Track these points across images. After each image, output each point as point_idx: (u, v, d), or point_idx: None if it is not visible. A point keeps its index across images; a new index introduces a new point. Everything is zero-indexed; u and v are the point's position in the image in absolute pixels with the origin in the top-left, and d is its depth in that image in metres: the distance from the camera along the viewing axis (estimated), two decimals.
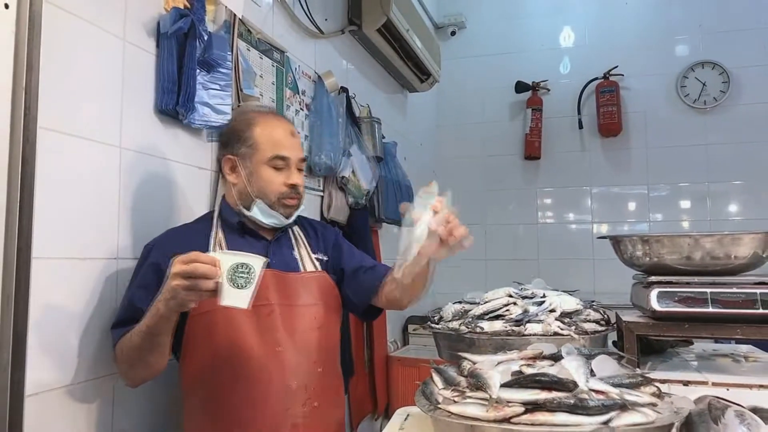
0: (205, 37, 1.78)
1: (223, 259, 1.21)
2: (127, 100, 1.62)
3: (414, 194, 3.53)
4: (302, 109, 2.54)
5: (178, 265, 1.19)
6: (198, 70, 1.75)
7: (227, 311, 1.39)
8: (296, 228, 1.69)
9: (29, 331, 1.23)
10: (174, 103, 1.69)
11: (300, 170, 1.60)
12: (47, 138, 1.34)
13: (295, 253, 1.63)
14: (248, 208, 1.56)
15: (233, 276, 1.20)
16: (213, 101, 1.79)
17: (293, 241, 1.65)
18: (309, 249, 1.66)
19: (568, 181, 4.55)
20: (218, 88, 1.82)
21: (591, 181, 4.50)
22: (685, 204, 4.31)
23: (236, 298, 1.21)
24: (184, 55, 1.72)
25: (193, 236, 1.54)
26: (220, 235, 1.56)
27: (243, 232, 1.58)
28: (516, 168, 4.68)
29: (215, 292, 1.20)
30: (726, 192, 4.22)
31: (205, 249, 1.45)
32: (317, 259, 1.65)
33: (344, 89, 2.82)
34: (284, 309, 1.52)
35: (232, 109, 1.90)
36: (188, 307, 1.26)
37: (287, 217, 1.58)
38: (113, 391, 1.55)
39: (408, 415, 1.56)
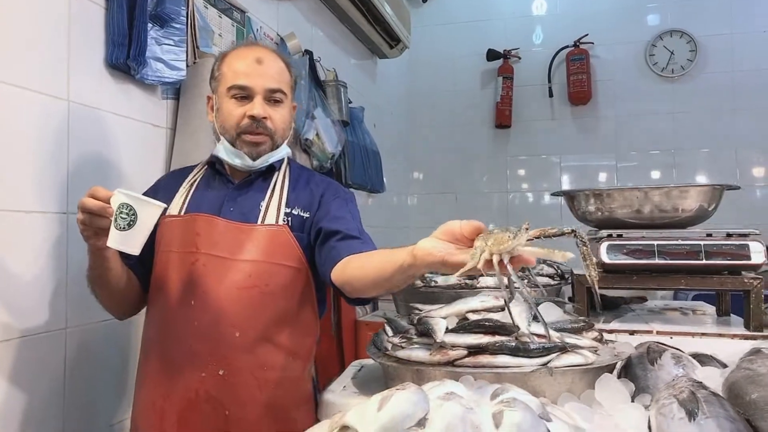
0: None
1: (114, 197, 1.16)
2: (75, 53, 1.58)
3: (381, 161, 3.48)
4: None
5: (83, 197, 1.17)
6: (150, 25, 1.72)
7: (165, 255, 1.39)
8: (284, 175, 1.48)
9: None
10: (125, 56, 1.66)
11: (272, 102, 1.41)
12: None
13: (263, 202, 1.42)
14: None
15: (117, 216, 1.15)
16: (166, 56, 1.76)
17: (269, 189, 1.45)
18: (284, 201, 1.43)
19: (538, 150, 4.57)
20: (172, 43, 1.79)
21: (561, 150, 4.53)
22: (655, 174, 4.36)
23: (117, 240, 1.16)
24: (135, 8, 1.68)
25: (178, 177, 1.51)
26: (198, 178, 1.49)
27: (213, 175, 1.48)
28: (487, 136, 4.69)
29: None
30: (692, 161, 4.28)
31: (176, 191, 1.46)
32: (288, 213, 1.42)
33: (308, 52, 2.79)
34: (211, 260, 1.36)
35: (187, 66, 1.87)
36: (92, 244, 1.24)
37: (254, 158, 1.41)
38: (65, 346, 1.54)
39: (362, 366, 1.59)
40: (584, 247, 0.96)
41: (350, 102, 3.18)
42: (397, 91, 4.63)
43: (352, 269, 1.26)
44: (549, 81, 4.52)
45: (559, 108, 4.54)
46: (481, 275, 1.65)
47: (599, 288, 1.78)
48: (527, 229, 0.90)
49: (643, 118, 4.34)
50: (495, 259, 0.90)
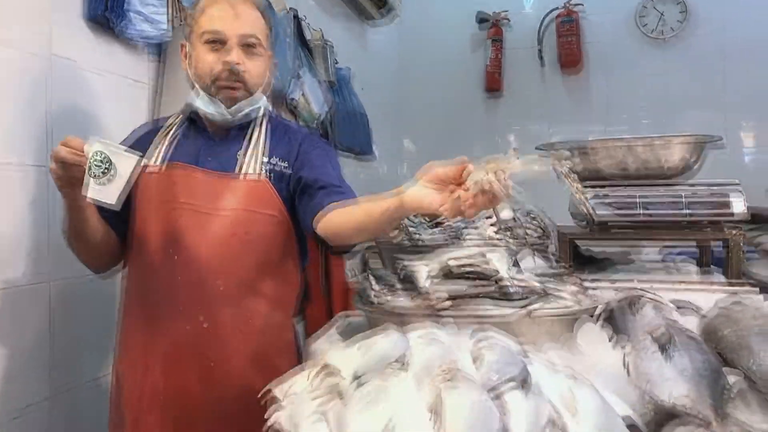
0: None
1: (87, 146, 1.13)
2: (55, 7, 1.56)
3: (369, 123, 3.45)
4: None
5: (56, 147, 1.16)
6: None
7: (144, 207, 1.38)
8: (262, 128, 1.46)
9: None
10: (103, 8, 1.63)
11: (247, 48, 1.37)
12: None
13: (240, 152, 1.40)
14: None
15: (91, 165, 1.12)
16: (146, 9, 1.73)
17: (247, 141, 1.43)
18: (263, 152, 1.42)
19: (530, 116, 4.54)
20: None
21: (551, 115, 4.51)
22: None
23: (92, 191, 1.14)
24: None
25: (153, 128, 1.48)
26: (173, 128, 1.46)
27: (191, 128, 1.45)
28: (477, 102, 4.65)
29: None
30: (681, 124, 4.25)
31: (151, 141, 1.43)
32: (267, 163, 1.40)
33: (293, 9, 2.74)
34: (190, 212, 1.35)
35: (169, 21, 1.83)
36: (66, 194, 1.23)
37: (233, 112, 1.39)
38: (49, 299, 1.55)
39: (349, 322, 1.59)
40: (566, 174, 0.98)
41: (337, 63, 3.14)
42: (386, 57, 4.57)
43: (337, 218, 1.27)
44: (539, 45, 4.48)
45: (550, 72, 4.50)
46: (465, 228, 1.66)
47: (582, 241, 1.80)
48: (516, 155, 0.95)
49: (632, 82, 4.31)
50: (500, 176, 0.92)
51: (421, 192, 1.00)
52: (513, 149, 0.96)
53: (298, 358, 1.48)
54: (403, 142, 4.84)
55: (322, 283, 3.15)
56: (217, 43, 1.36)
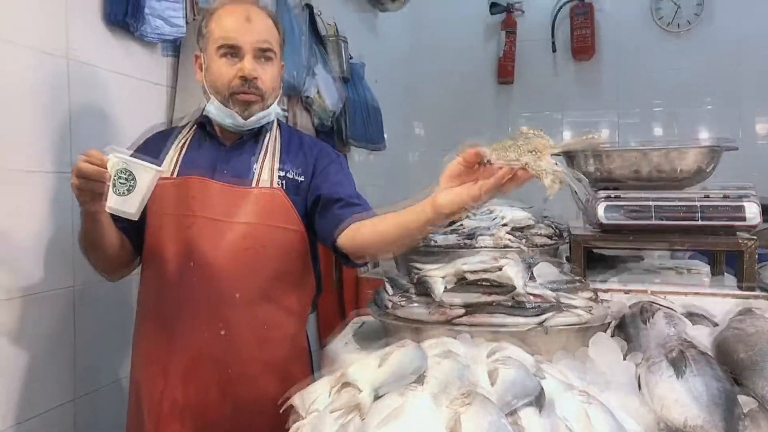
0: None
1: (111, 161, 1.15)
2: (74, 10, 1.57)
3: (381, 117, 3.45)
4: None
5: (76, 162, 1.16)
6: None
7: (159, 218, 1.39)
8: (274, 137, 1.49)
9: None
10: (123, 13, 1.64)
11: (263, 59, 1.40)
12: None
13: (256, 164, 1.43)
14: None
15: (115, 181, 1.15)
16: (165, 13, 1.74)
17: (261, 151, 1.45)
18: (277, 162, 1.44)
19: (541, 106, 4.53)
20: None
21: (564, 107, 4.49)
22: (657, 130, 4.34)
23: (116, 205, 1.16)
24: None
25: (168, 137, 1.50)
26: (188, 138, 1.48)
27: (204, 136, 1.47)
28: (489, 92, 4.63)
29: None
30: (694, 117, 4.25)
31: (165, 151, 1.44)
32: (282, 175, 1.43)
33: (308, 6, 2.74)
34: (207, 223, 1.37)
35: (187, 23, 1.85)
36: (87, 208, 1.24)
37: (246, 118, 1.40)
38: (73, 304, 1.58)
39: (363, 323, 1.62)
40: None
41: (351, 57, 3.14)
42: (398, 46, 4.55)
43: (366, 234, 1.30)
44: (552, 36, 4.44)
45: (563, 63, 4.47)
46: (480, 235, 1.68)
47: (596, 247, 1.81)
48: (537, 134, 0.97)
49: (646, 73, 4.28)
50: (548, 159, 0.94)
51: (451, 194, 1.03)
52: (534, 132, 0.97)
53: (310, 362, 1.53)
54: (413, 129, 4.84)
55: (334, 275, 3.18)
56: (233, 53, 1.38)
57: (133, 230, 1.42)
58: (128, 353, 1.48)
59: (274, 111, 1.48)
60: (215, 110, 1.41)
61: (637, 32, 4.28)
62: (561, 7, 4.38)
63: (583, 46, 4.29)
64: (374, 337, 1.44)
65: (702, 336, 1.19)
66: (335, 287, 3.25)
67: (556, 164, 0.94)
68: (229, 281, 1.37)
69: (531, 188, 1.00)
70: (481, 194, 1.00)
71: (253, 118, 1.42)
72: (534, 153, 0.95)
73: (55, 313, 1.54)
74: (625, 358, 1.17)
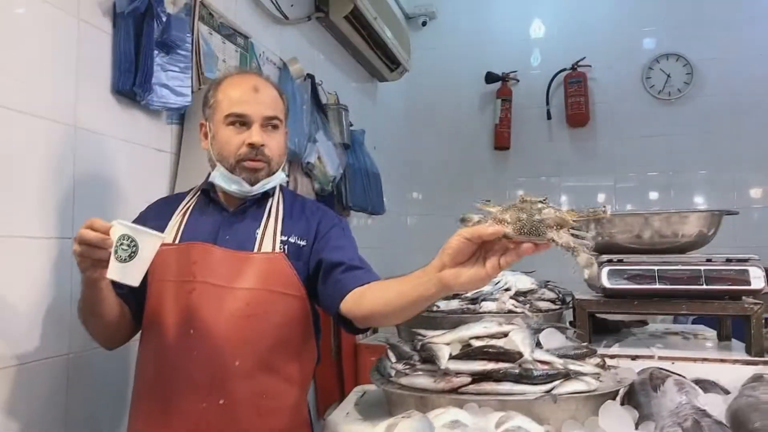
0: (164, 18, 1.77)
1: (114, 229, 1.15)
2: (83, 79, 1.61)
3: (381, 183, 3.48)
4: None
5: (80, 229, 1.16)
6: (156, 52, 1.74)
7: (161, 284, 1.38)
8: (278, 202, 1.49)
9: None
10: (131, 83, 1.68)
11: (270, 128, 1.43)
12: None
13: (259, 230, 1.42)
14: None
15: (117, 248, 1.14)
16: (172, 83, 1.79)
17: (264, 216, 1.45)
18: (279, 228, 1.44)
19: (538, 172, 4.59)
20: (177, 70, 1.81)
21: (560, 172, 4.56)
22: (653, 195, 4.39)
23: (117, 272, 1.15)
24: (141, 35, 1.71)
25: (171, 204, 1.50)
26: (191, 205, 1.48)
27: (207, 202, 1.48)
28: (486, 158, 4.71)
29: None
30: (690, 183, 4.31)
31: (169, 218, 1.45)
32: (284, 241, 1.42)
33: (310, 76, 2.82)
34: (208, 289, 1.35)
35: (192, 92, 1.89)
36: (89, 276, 1.23)
37: (252, 184, 1.42)
38: (67, 372, 1.54)
39: (365, 392, 1.59)
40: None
41: (351, 125, 3.20)
42: (397, 114, 4.67)
43: (371, 301, 1.26)
44: (547, 103, 4.56)
45: (558, 129, 4.57)
46: (483, 300, 1.66)
47: (600, 313, 1.79)
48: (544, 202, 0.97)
49: (640, 140, 4.37)
50: (564, 234, 0.94)
51: (462, 277, 1.00)
52: (540, 200, 0.97)
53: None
54: (411, 194, 4.89)
55: (333, 345, 3.12)
56: (241, 122, 1.40)
57: (133, 297, 1.40)
58: (122, 423, 1.43)
59: (280, 177, 1.50)
60: (221, 177, 1.43)
61: (630, 100, 4.41)
62: (555, 76, 4.51)
63: (578, 114, 4.40)
64: (377, 407, 1.40)
65: (715, 404, 1.16)
66: (334, 356, 3.18)
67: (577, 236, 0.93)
68: (230, 348, 1.34)
69: (544, 261, 0.98)
70: (494, 274, 0.99)
71: (258, 185, 1.43)
72: (557, 228, 0.94)
73: (48, 383, 1.49)
74: (637, 428, 1.13)
